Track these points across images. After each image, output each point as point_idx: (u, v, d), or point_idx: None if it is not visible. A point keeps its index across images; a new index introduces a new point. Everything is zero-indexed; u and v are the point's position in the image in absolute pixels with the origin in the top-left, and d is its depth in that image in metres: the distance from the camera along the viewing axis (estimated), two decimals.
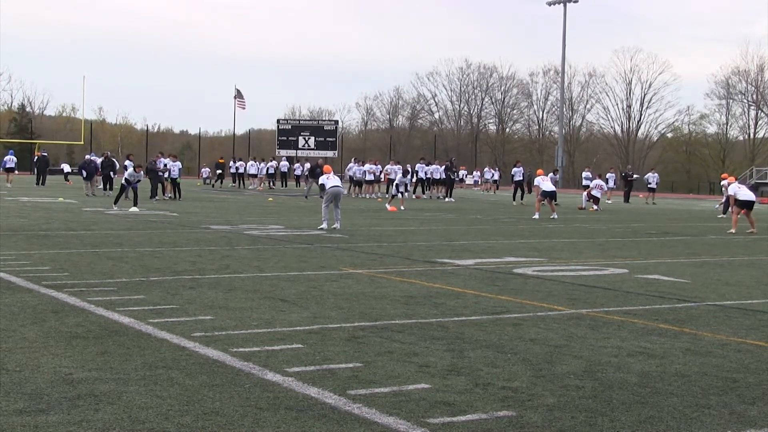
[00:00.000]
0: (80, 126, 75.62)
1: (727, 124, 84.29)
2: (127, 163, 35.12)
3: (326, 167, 21.30)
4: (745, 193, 21.95)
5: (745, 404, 5.38)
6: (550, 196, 25.77)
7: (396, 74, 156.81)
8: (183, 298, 8.87)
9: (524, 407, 5.17)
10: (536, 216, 25.31)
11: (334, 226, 18.93)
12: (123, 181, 26.38)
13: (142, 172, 27.01)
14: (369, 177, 41.12)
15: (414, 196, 40.19)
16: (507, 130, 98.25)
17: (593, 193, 32.50)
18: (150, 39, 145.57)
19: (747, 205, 21.60)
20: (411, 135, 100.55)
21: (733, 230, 21.13)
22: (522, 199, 36.82)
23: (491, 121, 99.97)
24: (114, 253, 13.08)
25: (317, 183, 37.92)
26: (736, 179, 26.10)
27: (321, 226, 18.90)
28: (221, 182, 53.11)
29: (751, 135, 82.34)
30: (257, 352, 6.45)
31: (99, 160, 38.19)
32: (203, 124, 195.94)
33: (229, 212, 25.09)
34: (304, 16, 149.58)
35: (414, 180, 41.60)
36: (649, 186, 42.61)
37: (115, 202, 25.51)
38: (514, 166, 40.51)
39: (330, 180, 19.31)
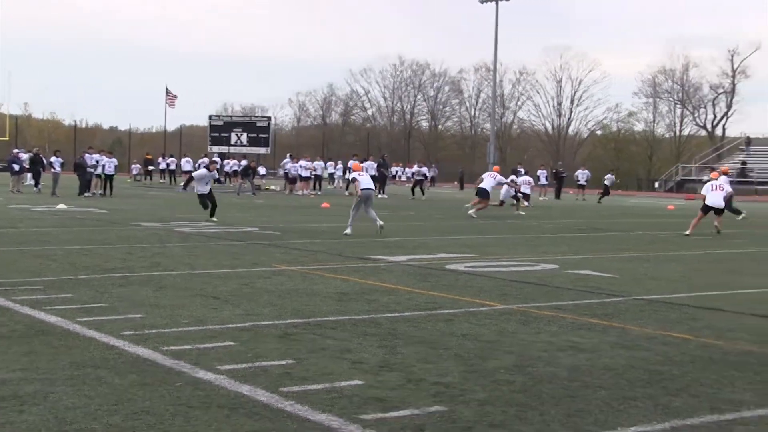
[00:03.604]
0: (5, 121, 73.84)
1: (654, 121, 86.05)
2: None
3: (355, 165, 20.04)
4: (713, 199, 19.77)
5: (669, 396, 5.50)
6: (483, 195, 25.76)
7: (329, 70, 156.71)
8: (112, 296, 8.73)
9: (456, 402, 5.21)
10: (472, 214, 25.01)
11: (379, 223, 17.08)
12: (197, 186, 21.09)
13: (215, 171, 22.38)
14: (304, 173, 41.20)
15: (347, 193, 40.20)
16: (440, 126, 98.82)
17: (523, 190, 32.86)
18: (75, 33, 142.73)
19: (714, 210, 19.81)
20: (344, 131, 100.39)
21: (688, 232, 19.36)
22: (423, 195, 39.45)
23: (424, 117, 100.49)
24: (41, 251, 12.80)
25: (249, 182, 38.07)
26: (718, 175, 21.79)
27: (346, 231, 17.04)
28: (150, 178, 52.50)
29: (677, 133, 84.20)
30: (188, 350, 6.38)
31: (25, 156, 37.33)
32: (133, 120, 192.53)
33: (160, 209, 24.75)
34: (236, 10, 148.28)
35: (348, 177, 41.85)
36: (578, 183, 43.31)
37: (212, 214, 20.93)
38: (417, 164, 43.65)
39: (363, 179, 17.65)
